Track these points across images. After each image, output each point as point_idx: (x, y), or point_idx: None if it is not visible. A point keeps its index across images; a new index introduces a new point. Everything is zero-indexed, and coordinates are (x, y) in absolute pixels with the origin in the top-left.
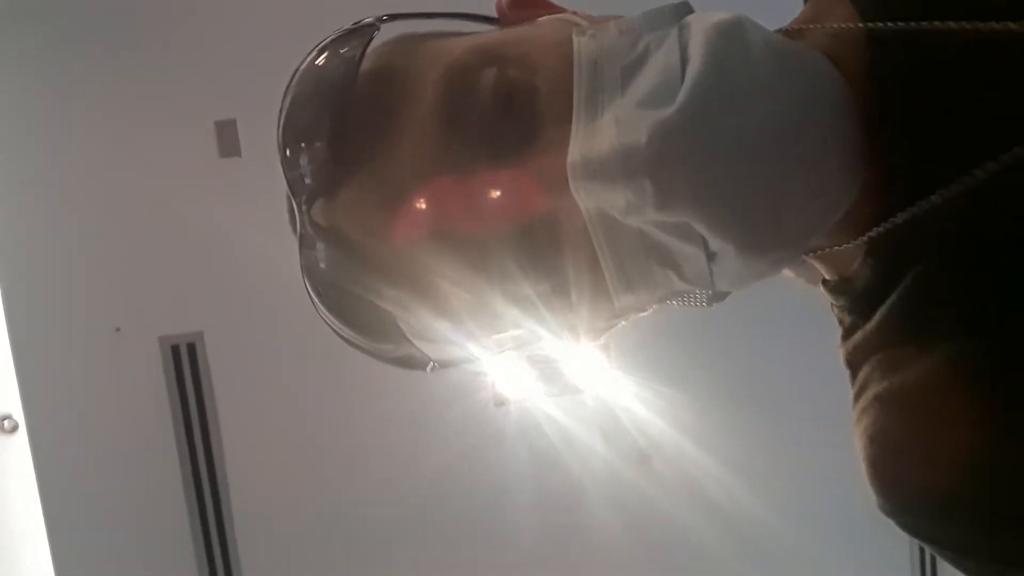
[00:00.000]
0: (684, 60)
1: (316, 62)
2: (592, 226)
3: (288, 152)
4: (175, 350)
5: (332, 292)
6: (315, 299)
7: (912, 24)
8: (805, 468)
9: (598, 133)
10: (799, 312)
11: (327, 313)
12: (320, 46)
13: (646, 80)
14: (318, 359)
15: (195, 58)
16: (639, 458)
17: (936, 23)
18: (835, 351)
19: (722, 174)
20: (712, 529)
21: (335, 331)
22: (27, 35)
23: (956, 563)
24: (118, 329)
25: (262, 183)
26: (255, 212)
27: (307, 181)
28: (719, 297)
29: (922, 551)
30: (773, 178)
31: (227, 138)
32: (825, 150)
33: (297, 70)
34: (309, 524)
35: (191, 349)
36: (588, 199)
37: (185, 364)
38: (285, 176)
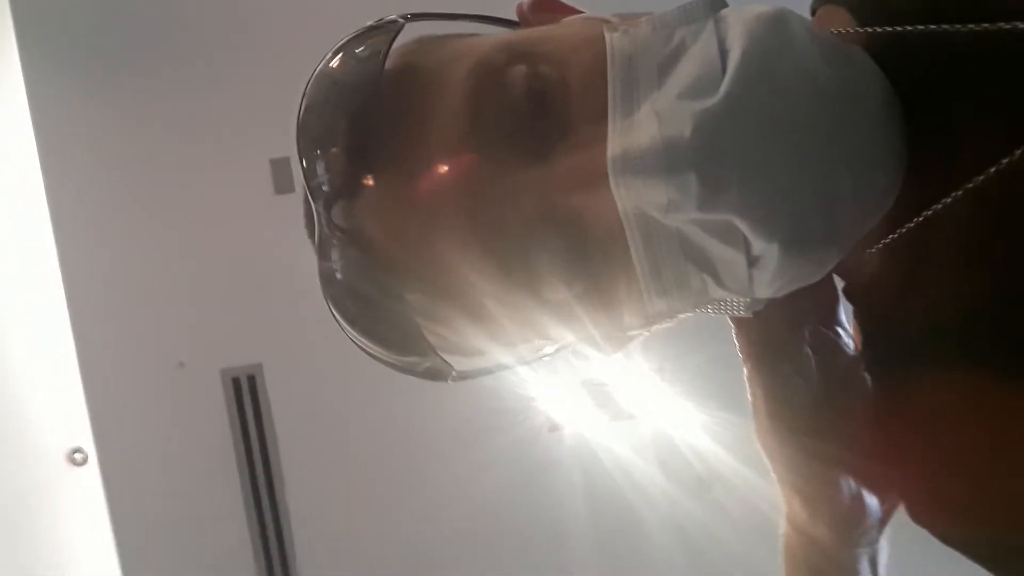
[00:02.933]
0: (724, 51)
1: (337, 61)
2: (629, 225)
3: (309, 155)
4: (236, 382)
5: (351, 299)
6: (333, 307)
7: (913, 28)
8: None
9: (637, 127)
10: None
11: (345, 323)
12: (340, 45)
13: (685, 72)
14: (374, 388)
15: (250, 99)
16: (698, 485)
17: (941, 26)
18: None
19: (770, 164)
20: (776, 559)
21: (353, 341)
22: (90, 79)
23: (997, 573)
24: (182, 364)
25: None
26: (310, 246)
27: (329, 184)
28: (756, 305)
29: None
30: (823, 169)
31: (282, 175)
32: (873, 141)
33: (316, 70)
34: (368, 553)
35: (251, 381)
36: (628, 196)
37: (246, 395)
38: (305, 181)
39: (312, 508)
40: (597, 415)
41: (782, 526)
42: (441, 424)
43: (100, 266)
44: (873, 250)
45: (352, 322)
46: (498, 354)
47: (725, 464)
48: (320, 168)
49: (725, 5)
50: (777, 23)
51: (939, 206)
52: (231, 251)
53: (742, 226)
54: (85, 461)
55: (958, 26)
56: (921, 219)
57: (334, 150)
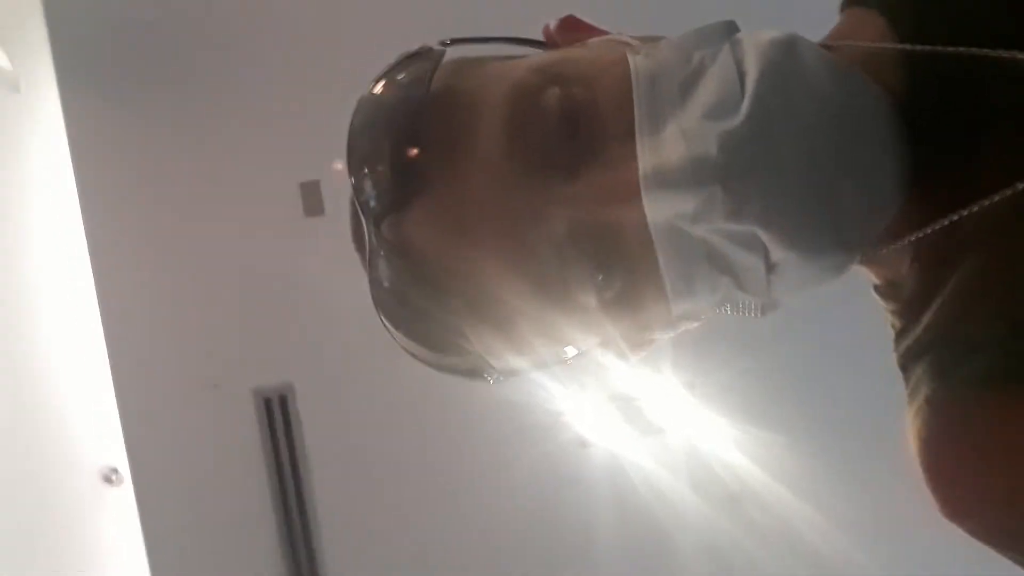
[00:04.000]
0: (741, 73)
1: (382, 86)
2: (658, 235)
3: (358, 173)
4: (267, 403)
5: (399, 307)
6: (382, 315)
7: (947, 48)
8: (901, 512)
9: (665, 145)
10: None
11: (394, 328)
12: (385, 71)
13: (706, 93)
14: (404, 408)
15: (280, 123)
16: (729, 502)
17: (973, 49)
18: None
19: (787, 179)
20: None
21: (402, 347)
22: (123, 101)
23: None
24: (216, 386)
25: (346, 240)
26: (339, 268)
27: (377, 200)
28: (772, 307)
29: None
30: (834, 184)
31: (311, 198)
32: (879, 157)
33: (364, 95)
34: (399, 571)
35: (283, 401)
36: (658, 209)
37: (277, 416)
38: (356, 198)
39: (343, 529)
40: (627, 430)
41: None
42: (472, 443)
43: (134, 288)
44: (896, 246)
45: (398, 326)
46: (533, 356)
47: (757, 480)
48: (369, 186)
49: (738, 29)
50: (790, 48)
51: (965, 211)
52: (262, 273)
53: (763, 236)
54: (120, 481)
55: (987, 51)
56: (948, 222)
57: (382, 168)
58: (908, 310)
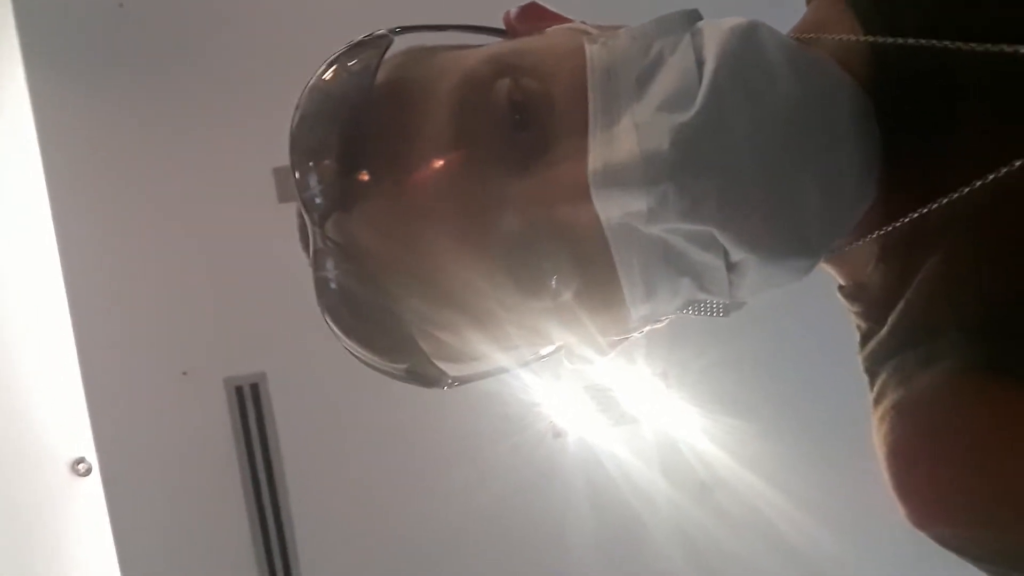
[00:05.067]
0: (700, 63)
1: (329, 75)
2: (611, 235)
3: (302, 168)
4: (239, 391)
5: (346, 309)
6: (328, 317)
7: (916, 41)
8: (874, 498)
9: (617, 140)
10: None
11: (341, 332)
12: (331, 59)
13: (663, 85)
14: (377, 396)
15: (252, 108)
16: (701, 490)
17: (943, 43)
18: None
19: (746, 177)
20: (777, 564)
21: (348, 349)
22: (93, 86)
23: (994, 573)
24: (185, 373)
25: None
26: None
27: (321, 197)
28: (736, 307)
29: None
30: (795, 180)
31: (285, 184)
32: (845, 149)
33: (308, 84)
34: (372, 561)
35: (254, 389)
36: (609, 207)
37: (249, 404)
38: (299, 194)
39: (316, 517)
40: (600, 420)
41: None
42: (445, 431)
43: (103, 275)
44: (860, 244)
45: (347, 331)
46: (489, 359)
47: (728, 468)
48: (312, 181)
49: (700, 17)
50: (749, 36)
51: (927, 209)
52: (234, 260)
53: (720, 236)
54: (88, 472)
55: (958, 43)
56: (912, 221)
57: (325, 163)
58: (873, 312)
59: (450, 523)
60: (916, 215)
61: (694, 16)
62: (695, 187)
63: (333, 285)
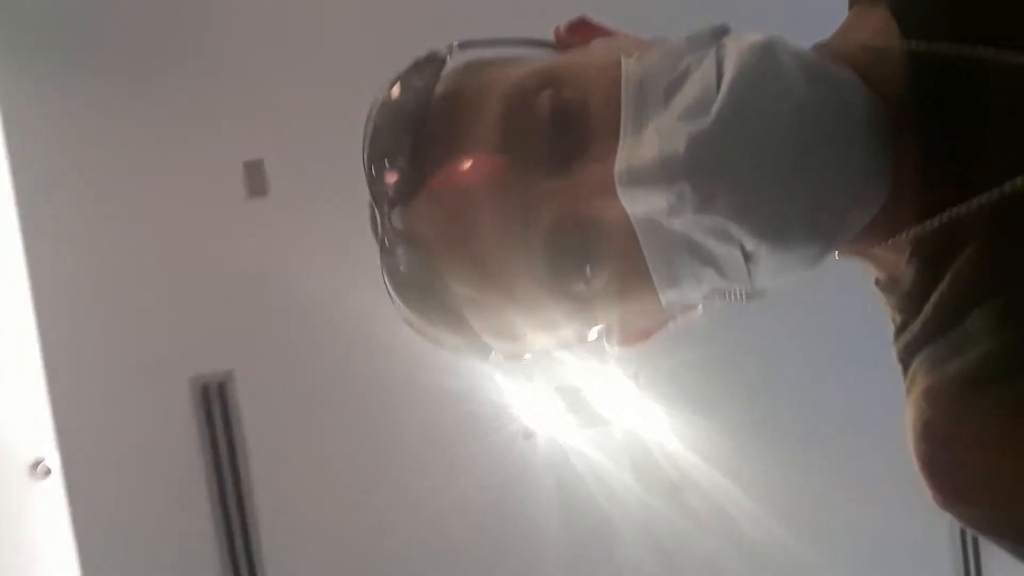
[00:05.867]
0: (720, 76)
1: (396, 87)
2: (638, 228)
3: (372, 169)
4: (205, 389)
5: (407, 289)
6: (393, 296)
7: (950, 47)
8: (838, 500)
9: (642, 145)
10: (831, 343)
11: (404, 308)
12: (400, 74)
13: (686, 95)
14: (346, 396)
15: (221, 100)
16: (670, 490)
17: (975, 48)
18: (869, 382)
19: (754, 177)
20: (744, 562)
21: (410, 325)
22: (60, 79)
23: (1014, 551)
24: (151, 372)
25: (290, 222)
26: (283, 251)
27: (389, 192)
28: (759, 294)
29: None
30: (802, 181)
31: (255, 178)
32: (851, 156)
33: (378, 96)
34: (339, 561)
35: (221, 388)
36: (634, 203)
37: (215, 403)
38: (370, 191)
39: (282, 518)
40: (571, 421)
41: None
42: (415, 432)
43: (67, 271)
44: (895, 241)
45: (407, 306)
46: (533, 339)
47: (696, 468)
48: (380, 180)
49: (728, 32)
50: (766, 51)
51: (962, 208)
52: (201, 255)
53: (732, 228)
54: (48, 474)
55: (990, 49)
56: (946, 218)
57: (391, 165)
58: (907, 304)
59: (420, 524)
60: (949, 214)
61: (722, 31)
62: (709, 185)
63: (401, 267)
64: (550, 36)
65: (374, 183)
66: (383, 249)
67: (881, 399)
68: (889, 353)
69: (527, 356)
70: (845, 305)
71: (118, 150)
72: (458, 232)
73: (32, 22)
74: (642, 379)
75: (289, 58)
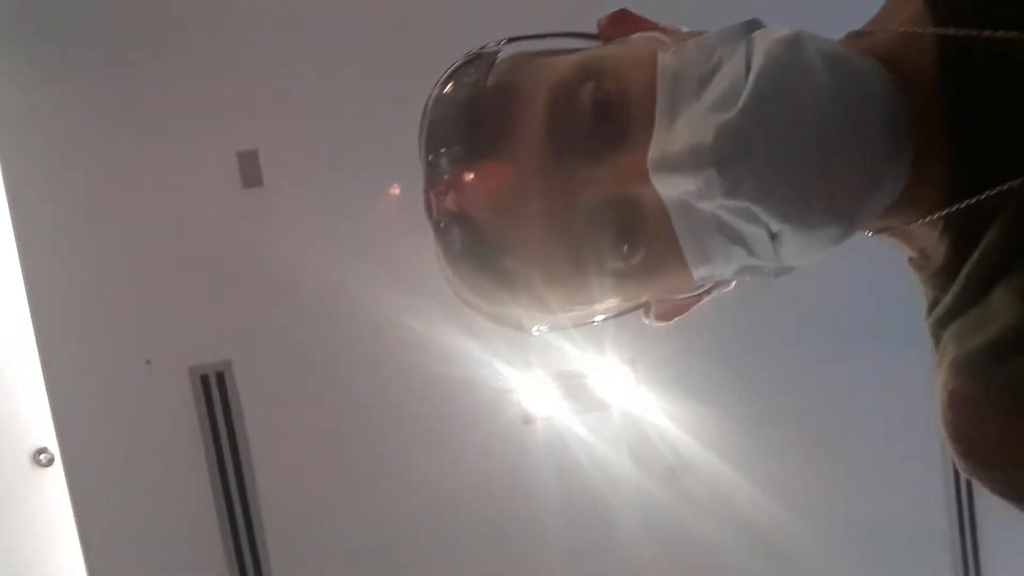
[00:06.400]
0: (748, 69)
1: (450, 82)
2: (671, 210)
3: (429, 156)
4: (204, 379)
5: (460, 264)
6: (450, 272)
7: (980, 32)
8: (834, 483)
9: (675, 133)
10: (827, 327)
11: (459, 284)
12: (454, 69)
13: (716, 88)
14: (345, 383)
15: (216, 91)
16: (667, 475)
17: (1006, 36)
18: (866, 368)
19: (777, 165)
20: (742, 545)
21: (463, 299)
22: (52, 69)
23: None
24: (149, 361)
25: (285, 211)
26: (278, 240)
27: (444, 176)
28: (786, 271)
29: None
30: (822, 168)
31: (249, 168)
32: (870, 142)
33: (433, 90)
34: (341, 549)
35: (220, 378)
36: (666, 188)
37: (215, 393)
38: (425, 176)
39: (284, 506)
40: (570, 407)
41: None
42: (415, 418)
43: (62, 261)
44: (927, 221)
45: (464, 281)
46: (574, 313)
47: (694, 453)
48: (437, 166)
49: (760, 26)
50: (791, 44)
51: (992, 192)
52: (199, 246)
53: (757, 210)
54: (51, 462)
55: (1019, 32)
56: (975, 200)
57: (448, 153)
58: (939, 280)
59: (420, 510)
60: (979, 196)
61: (753, 25)
62: (735, 171)
63: (456, 246)
64: (592, 28)
65: (431, 167)
66: (438, 230)
67: (878, 384)
68: (887, 340)
69: (567, 327)
70: (842, 291)
71: (112, 141)
72: (508, 214)
73: (23, 12)
74: (639, 365)
75: (283, 48)
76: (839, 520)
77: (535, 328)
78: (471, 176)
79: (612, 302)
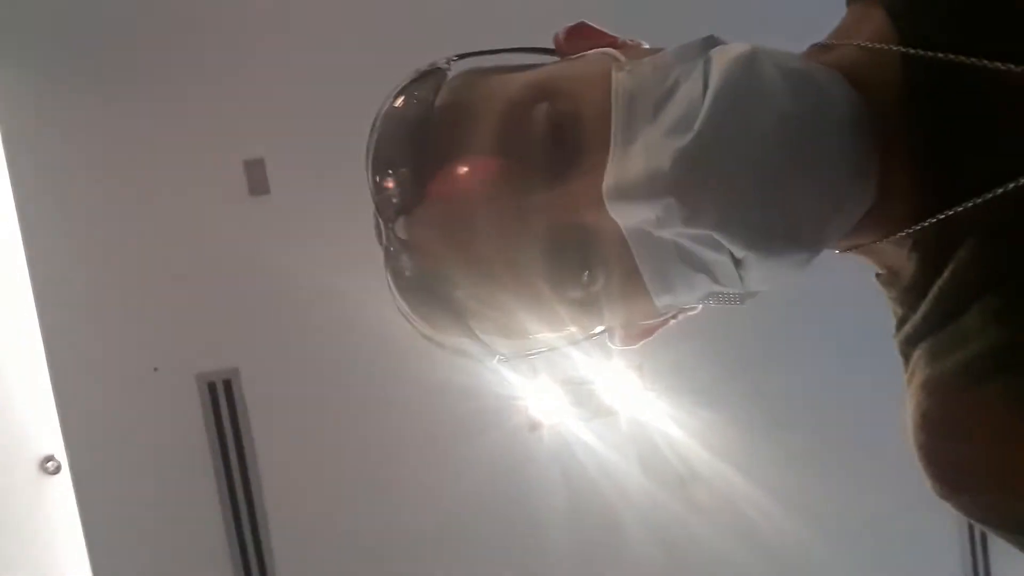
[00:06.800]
0: (705, 89)
1: (398, 100)
2: (629, 238)
3: (375, 179)
4: (211, 387)
5: (411, 295)
6: (399, 300)
7: (945, 56)
8: (845, 492)
9: (630, 159)
10: (835, 334)
11: (409, 313)
12: (401, 86)
13: (672, 111)
14: (352, 391)
15: (222, 100)
16: (676, 482)
17: (971, 59)
18: (875, 373)
19: (739, 188)
20: (752, 555)
21: (414, 327)
22: (60, 80)
23: (1012, 541)
24: (156, 369)
25: (291, 219)
26: (285, 248)
27: (392, 202)
28: (751, 295)
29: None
30: (783, 191)
31: (256, 177)
32: (833, 163)
33: (381, 110)
34: (347, 556)
35: (227, 385)
36: (623, 217)
37: (222, 400)
38: (373, 199)
39: (290, 513)
40: (576, 413)
41: None
42: (421, 425)
43: (70, 270)
44: (895, 238)
45: (412, 311)
46: (535, 339)
47: (703, 461)
48: (383, 189)
49: (717, 43)
50: (749, 63)
51: (959, 208)
52: (205, 254)
53: (719, 238)
54: (57, 470)
55: (985, 62)
56: (944, 217)
57: (393, 176)
58: (907, 298)
59: (426, 516)
60: (947, 214)
61: (710, 43)
62: (693, 199)
63: (406, 272)
64: (550, 41)
65: (378, 192)
66: (387, 255)
67: (888, 391)
68: (893, 345)
69: (529, 356)
70: (850, 296)
71: (120, 150)
72: (458, 240)
73: (33, 22)
74: (646, 371)
75: (289, 57)
76: (849, 527)
77: (496, 358)
78: (420, 201)
79: (573, 330)
